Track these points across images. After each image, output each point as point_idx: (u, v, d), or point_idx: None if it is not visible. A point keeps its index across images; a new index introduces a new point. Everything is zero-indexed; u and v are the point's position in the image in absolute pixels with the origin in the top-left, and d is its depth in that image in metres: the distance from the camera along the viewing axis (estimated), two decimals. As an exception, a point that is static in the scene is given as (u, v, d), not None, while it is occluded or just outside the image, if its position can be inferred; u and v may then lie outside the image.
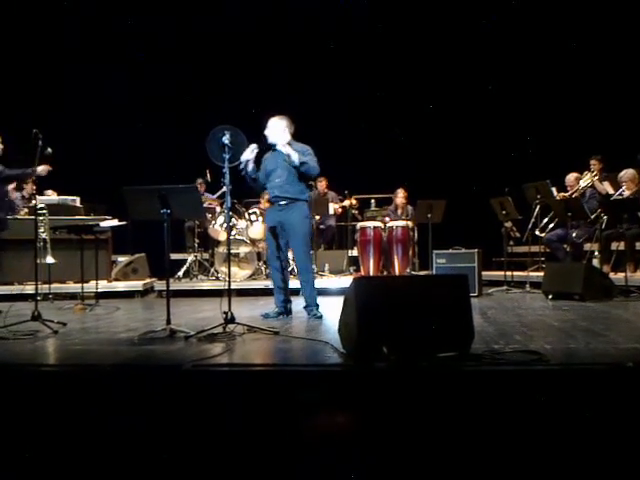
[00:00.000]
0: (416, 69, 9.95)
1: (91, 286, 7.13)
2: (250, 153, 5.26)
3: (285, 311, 5.50)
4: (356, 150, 9.60)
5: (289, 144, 5.34)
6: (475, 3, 9.81)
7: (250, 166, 5.35)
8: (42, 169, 6.06)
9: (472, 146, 9.81)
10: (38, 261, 5.85)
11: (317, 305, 5.44)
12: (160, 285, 8.42)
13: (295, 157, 5.25)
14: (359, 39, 9.98)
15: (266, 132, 5.40)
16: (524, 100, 9.58)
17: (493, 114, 9.79)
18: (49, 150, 5.94)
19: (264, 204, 9.26)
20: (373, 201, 10.07)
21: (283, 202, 5.38)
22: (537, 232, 8.12)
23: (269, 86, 10.01)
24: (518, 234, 8.63)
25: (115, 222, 7.19)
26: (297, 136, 5.50)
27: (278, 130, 5.39)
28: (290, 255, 6.14)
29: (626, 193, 7.44)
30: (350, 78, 9.91)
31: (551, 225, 8.11)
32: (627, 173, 7.53)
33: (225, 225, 8.31)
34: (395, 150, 9.95)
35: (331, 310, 5.30)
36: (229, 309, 4.42)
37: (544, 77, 9.57)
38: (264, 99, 10.00)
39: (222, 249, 8.47)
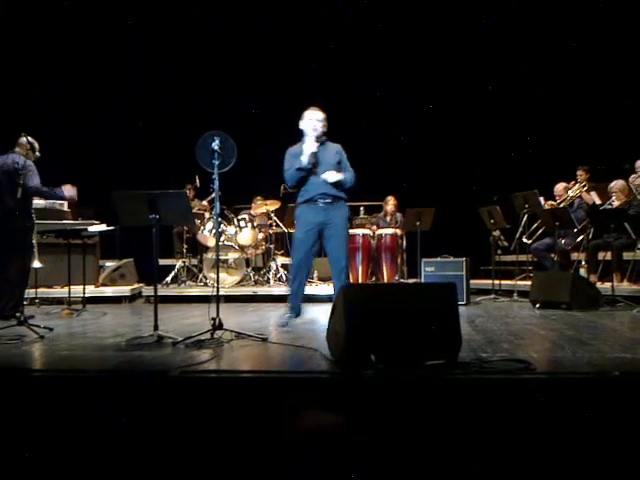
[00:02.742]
0: (412, 72, 9.96)
1: (78, 291, 7.09)
2: (314, 146, 5.06)
3: (299, 313, 5.30)
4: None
5: (323, 143, 5.17)
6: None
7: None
8: (71, 195, 5.98)
9: (461, 155, 9.85)
10: (25, 265, 5.83)
11: None
12: (148, 290, 8.39)
13: (333, 178, 5.09)
14: (358, 39, 9.97)
15: (316, 125, 5.10)
16: (513, 109, 9.63)
17: (482, 123, 9.84)
18: (37, 154, 5.92)
19: (255, 210, 9.27)
20: (362, 208, 10.09)
21: (328, 200, 5.10)
22: (524, 239, 8.16)
23: (262, 87, 10.00)
24: (506, 243, 8.67)
25: (103, 227, 7.15)
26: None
27: (324, 124, 5.15)
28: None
29: (615, 203, 7.49)
30: (345, 80, 9.91)
31: (538, 233, 8.16)
32: (617, 184, 7.58)
33: (214, 231, 8.29)
34: (385, 157, 9.98)
35: (320, 317, 5.29)
36: (217, 315, 4.41)
37: (532, 87, 9.62)
38: (258, 100, 10.05)
39: (211, 255, 8.45)
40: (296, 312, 5.27)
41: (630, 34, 8.95)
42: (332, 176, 5.09)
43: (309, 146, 5.07)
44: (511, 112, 9.64)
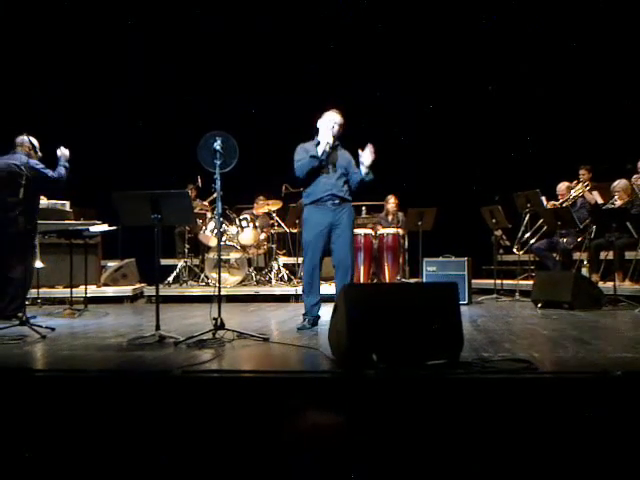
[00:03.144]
0: (412, 72, 9.95)
1: (80, 291, 7.09)
2: (331, 137, 5.06)
3: (318, 319, 5.23)
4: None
5: (336, 146, 5.16)
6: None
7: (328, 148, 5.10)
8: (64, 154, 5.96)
9: (463, 154, 9.84)
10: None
11: None
12: (149, 290, 8.39)
13: (368, 172, 5.08)
14: (358, 39, 9.94)
15: (332, 124, 5.11)
16: (514, 109, 9.62)
17: (483, 123, 9.83)
18: (39, 154, 5.93)
19: (257, 210, 9.27)
20: (364, 208, 10.10)
21: (337, 201, 5.10)
22: (514, 249, 8.13)
23: (262, 87, 9.99)
24: (508, 242, 8.67)
25: (105, 227, 7.15)
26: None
27: (340, 126, 5.16)
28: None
29: (618, 203, 7.48)
30: (345, 80, 9.91)
31: (533, 237, 8.14)
32: (620, 183, 7.57)
33: (216, 231, 8.29)
34: (387, 157, 9.95)
35: (321, 317, 5.28)
36: (219, 315, 4.41)
37: (532, 87, 9.62)
38: (258, 100, 10.05)
39: (212, 255, 8.45)
40: (315, 320, 5.21)
41: (630, 34, 8.94)
42: (368, 157, 5.07)
43: (326, 137, 5.08)
44: (511, 112, 9.63)
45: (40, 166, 5.74)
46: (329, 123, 5.13)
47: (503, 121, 9.71)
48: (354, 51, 9.96)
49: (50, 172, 5.77)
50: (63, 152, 5.95)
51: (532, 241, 8.10)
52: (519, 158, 9.56)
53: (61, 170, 5.85)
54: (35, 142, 5.89)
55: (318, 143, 5.14)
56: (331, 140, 5.10)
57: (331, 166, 5.13)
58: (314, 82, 9.76)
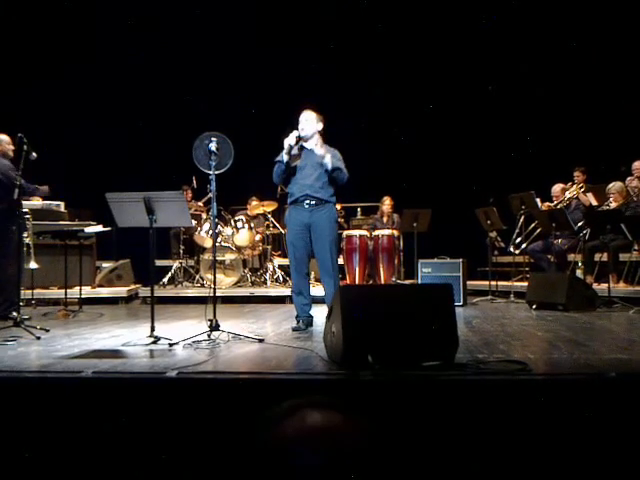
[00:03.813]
0: (411, 73, 9.96)
1: (75, 292, 7.07)
2: (293, 138, 4.98)
3: (311, 318, 5.22)
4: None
5: (317, 144, 5.08)
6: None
7: (292, 152, 5.02)
8: (45, 190, 6.09)
9: (459, 155, 9.85)
10: (21, 266, 5.81)
11: None
12: (144, 291, 8.36)
13: (329, 160, 4.96)
14: (358, 39, 9.93)
15: (302, 125, 5.04)
16: (511, 110, 9.64)
17: (480, 124, 9.84)
18: (34, 155, 5.90)
19: (251, 211, 9.27)
20: (359, 210, 10.10)
21: (312, 202, 5.05)
22: (511, 248, 8.14)
23: (262, 87, 9.99)
24: (503, 244, 8.68)
25: (100, 228, 7.14)
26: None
27: (312, 124, 5.07)
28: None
29: (613, 205, 7.51)
30: (344, 80, 9.91)
31: (528, 239, 8.15)
32: (615, 185, 7.61)
33: (211, 232, 8.29)
34: (382, 159, 9.97)
35: (316, 318, 5.28)
36: (214, 316, 4.41)
37: (531, 87, 9.64)
38: (258, 100, 10.05)
39: (207, 256, 8.44)
40: (309, 321, 5.20)
41: (629, 35, 8.96)
42: (323, 156, 5.00)
43: (288, 139, 5.01)
44: (509, 113, 9.65)
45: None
46: (299, 124, 5.08)
47: (498, 122, 9.72)
48: (354, 51, 9.96)
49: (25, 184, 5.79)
50: (44, 189, 6.09)
51: (523, 245, 8.11)
52: (514, 159, 9.57)
53: (27, 185, 5.90)
54: (4, 137, 5.91)
55: (301, 146, 5.11)
56: (293, 142, 5.02)
57: (306, 168, 5.08)
58: (314, 82, 9.75)
